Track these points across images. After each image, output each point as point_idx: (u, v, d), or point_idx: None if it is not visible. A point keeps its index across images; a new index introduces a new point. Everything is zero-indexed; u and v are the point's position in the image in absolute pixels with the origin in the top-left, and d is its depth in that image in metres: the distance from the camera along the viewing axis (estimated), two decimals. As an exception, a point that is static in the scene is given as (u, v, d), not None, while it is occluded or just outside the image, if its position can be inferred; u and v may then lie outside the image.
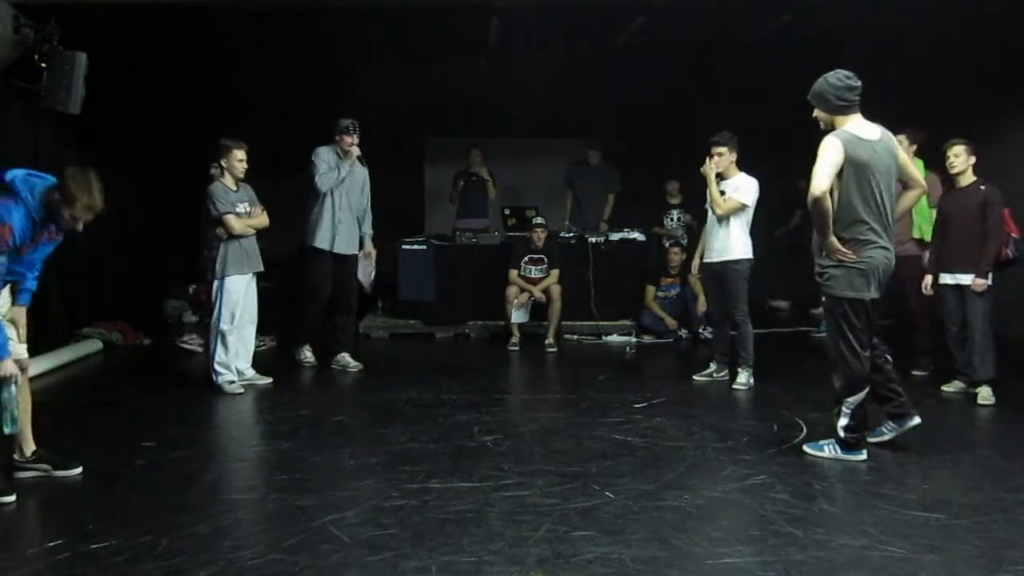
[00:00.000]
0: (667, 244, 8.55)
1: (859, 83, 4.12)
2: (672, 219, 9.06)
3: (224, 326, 5.75)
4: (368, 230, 6.85)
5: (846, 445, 4.19)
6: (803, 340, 8.33)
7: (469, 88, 9.23)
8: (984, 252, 5.38)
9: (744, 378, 5.93)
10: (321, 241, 6.54)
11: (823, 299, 4.30)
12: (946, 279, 5.62)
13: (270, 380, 6.05)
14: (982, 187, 5.46)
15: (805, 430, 4.77)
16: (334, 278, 6.63)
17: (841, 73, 4.13)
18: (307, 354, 6.82)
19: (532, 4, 6.79)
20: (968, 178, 5.50)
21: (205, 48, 8.03)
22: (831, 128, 4.15)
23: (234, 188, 5.85)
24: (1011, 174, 6.64)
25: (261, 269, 5.98)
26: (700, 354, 7.64)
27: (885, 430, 4.41)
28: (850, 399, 4.14)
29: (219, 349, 5.76)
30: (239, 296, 5.79)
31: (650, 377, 6.81)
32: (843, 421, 4.18)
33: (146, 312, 8.77)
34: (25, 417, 3.93)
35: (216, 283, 5.77)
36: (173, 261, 9.19)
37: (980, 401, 5.41)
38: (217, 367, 5.76)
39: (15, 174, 3.73)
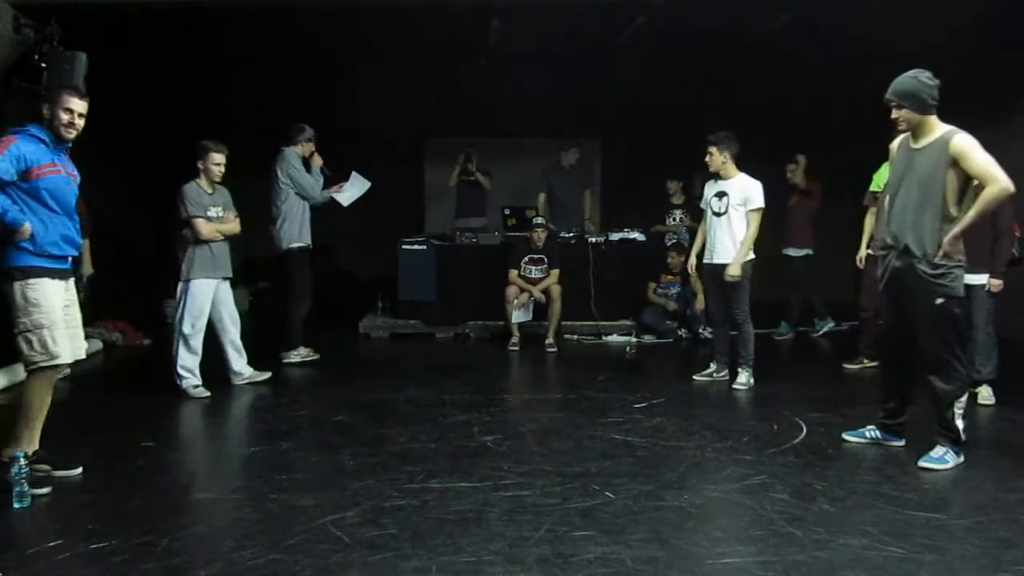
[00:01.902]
0: (668, 243, 8.57)
1: None
2: (675, 219, 9.05)
3: (187, 329, 5.66)
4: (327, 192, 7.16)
5: (960, 445, 4.15)
6: (803, 340, 8.33)
7: (469, 88, 9.24)
8: (998, 252, 5.39)
9: (744, 378, 5.93)
10: (305, 239, 6.87)
11: (939, 300, 4.02)
12: None
13: (268, 374, 6.09)
14: None
15: (805, 430, 4.77)
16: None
17: (926, 74, 4.05)
18: (304, 351, 6.91)
19: (532, 4, 6.79)
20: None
21: (205, 48, 8.04)
22: (913, 128, 4.06)
23: (209, 191, 5.77)
24: (1012, 174, 6.63)
25: (230, 275, 5.92)
26: (700, 354, 7.64)
27: (868, 434, 4.43)
28: (962, 399, 4.14)
29: (181, 352, 5.67)
30: (204, 300, 5.72)
31: (650, 377, 6.81)
32: (961, 423, 4.14)
33: (146, 312, 8.77)
34: (41, 416, 3.94)
35: (181, 285, 5.70)
36: (173, 261, 9.17)
37: (980, 401, 5.41)
38: (180, 371, 5.67)
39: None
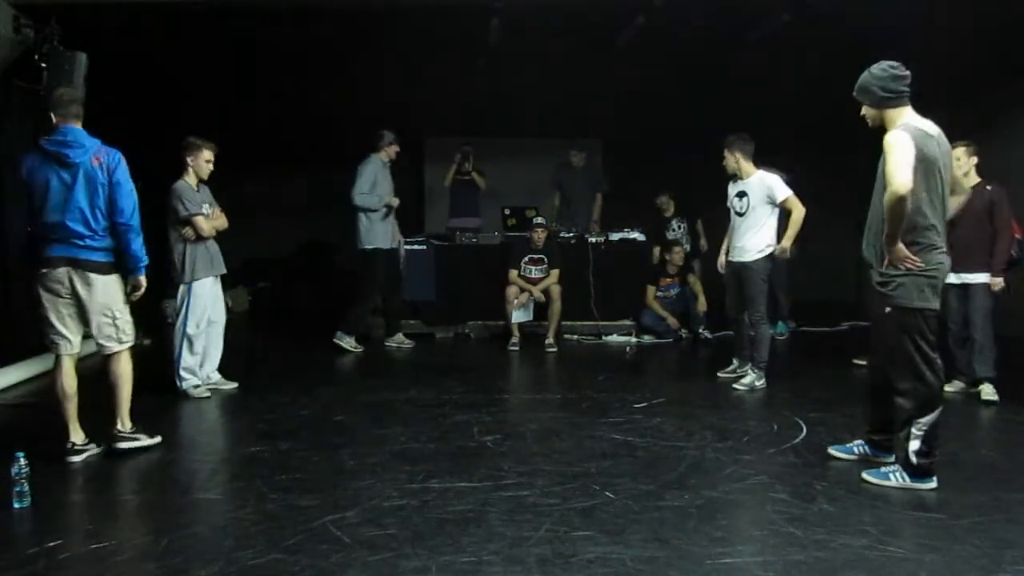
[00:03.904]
0: (670, 239, 8.58)
1: (906, 72, 3.79)
2: (673, 229, 9.03)
3: (191, 330, 5.65)
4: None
5: (917, 471, 3.78)
6: (803, 340, 8.33)
7: (469, 88, 9.23)
8: (997, 251, 5.39)
9: (749, 380, 5.91)
10: (377, 242, 7.51)
11: (887, 309, 3.81)
12: (950, 279, 5.60)
13: (235, 385, 5.95)
14: (988, 187, 5.48)
15: (805, 430, 4.77)
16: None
17: (885, 63, 3.81)
18: (353, 342, 7.53)
19: (532, 4, 6.79)
20: (971, 179, 5.49)
21: (206, 48, 8.04)
22: (879, 125, 3.84)
23: (196, 188, 5.69)
24: (1013, 175, 6.64)
25: (224, 271, 5.89)
26: (700, 354, 7.65)
27: (856, 450, 4.20)
28: (923, 420, 3.74)
29: (185, 353, 5.66)
30: (207, 299, 5.71)
31: (650, 377, 6.81)
32: (914, 445, 3.75)
33: (146, 312, 8.76)
34: (127, 389, 4.38)
35: (183, 287, 5.64)
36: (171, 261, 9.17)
37: (984, 397, 5.43)
38: (182, 372, 5.67)
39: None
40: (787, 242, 5.90)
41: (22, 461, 3.61)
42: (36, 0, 6.07)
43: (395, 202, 7.56)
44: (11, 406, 5.62)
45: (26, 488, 3.58)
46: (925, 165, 3.70)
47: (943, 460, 4.22)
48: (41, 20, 6.08)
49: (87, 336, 4.36)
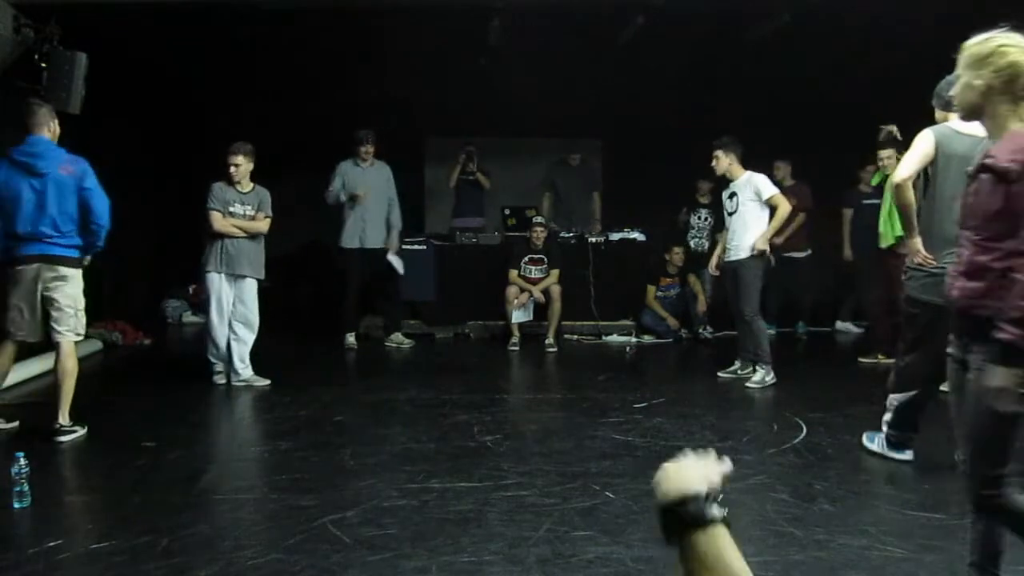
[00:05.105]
0: (690, 240, 8.59)
1: None
2: (700, 217, 9.05)
3: (210, 317, 5.96)
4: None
5: (889, 443, 4.15)
6: (804, 340, 8.33)
7: (469, 88, 9.23)
8: None
9: (760, 376, 5.93)
10: (343, 242, 7.60)
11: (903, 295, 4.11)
12: None
13: (268, 382, 6.03)
14: None
15: (805, 430, 4.77)
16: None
17: None
18: (350, 339, 7.64)
19: (532, 4, 6.79)
20: None
21: (205, 48, 8.03)
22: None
23: (245, 189, 5.98)
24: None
25: (244, 272, 5.95)
26: (700, 354, 7.66)
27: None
28: (895, 396, 4.07)
29: (208, 341, 6.00)
30: (218, 293, 5.91)
31: (650, 377, 6.81)
32: (887, 416, 4.13)
33: (146, 312, 8.77)
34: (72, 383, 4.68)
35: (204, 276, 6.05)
36: (173, 261, 9.18)
37: None
38: (209, 356, 6.04)
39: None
40: (767, 234, 5.97)
41: (22, 461, 3.61)
42: (36, 0, 6.07)
43: (354, 197, 7.55)
44: (11, 406, 5.61)
45: (26, 488, 3.58)
46: (949, 162, 3.72)
47: (943, 460, 4.22)
48: (41, 20, 6.07)
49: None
